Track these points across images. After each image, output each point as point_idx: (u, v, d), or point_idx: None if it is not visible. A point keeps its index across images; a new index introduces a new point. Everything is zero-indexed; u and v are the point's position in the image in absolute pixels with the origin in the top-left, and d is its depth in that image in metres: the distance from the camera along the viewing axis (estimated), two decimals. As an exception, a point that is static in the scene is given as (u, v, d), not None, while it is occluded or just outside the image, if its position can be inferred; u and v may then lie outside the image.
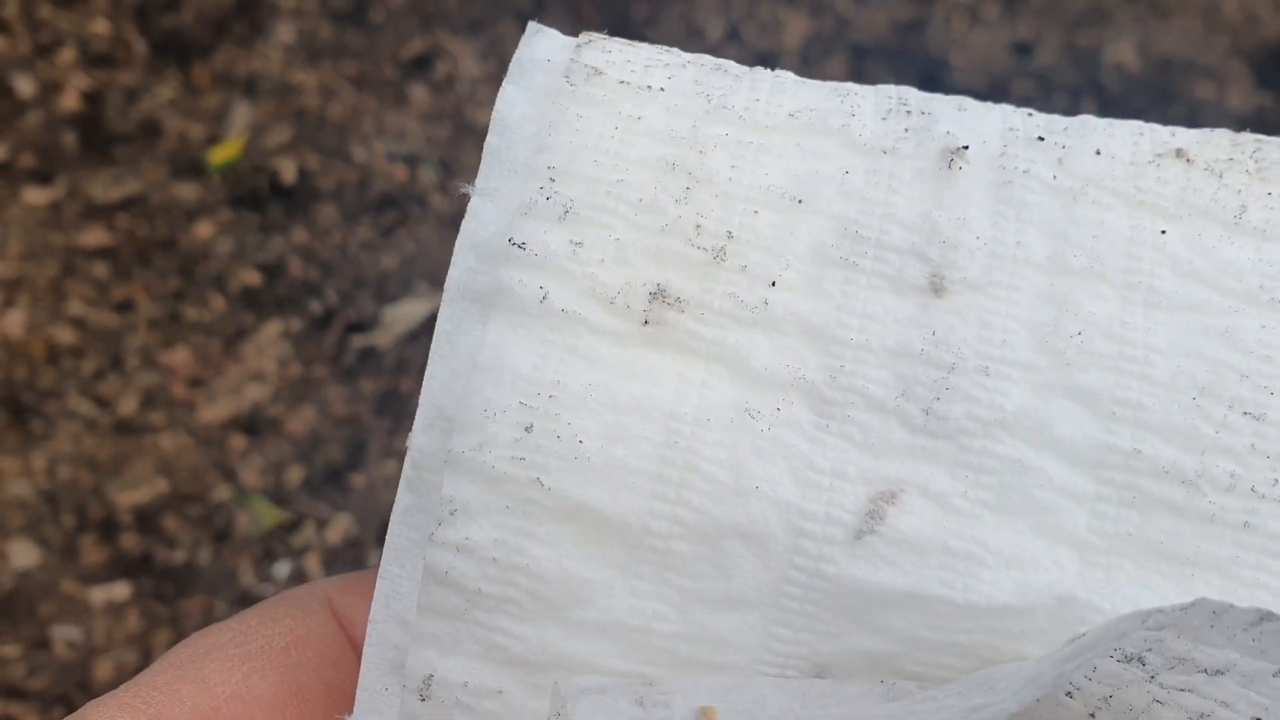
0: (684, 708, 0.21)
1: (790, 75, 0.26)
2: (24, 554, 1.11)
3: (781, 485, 0.22)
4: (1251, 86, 1.34)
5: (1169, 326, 0.23)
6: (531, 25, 0.26)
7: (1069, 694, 0.21)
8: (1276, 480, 0.22)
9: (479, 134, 1.29)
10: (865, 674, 0.22)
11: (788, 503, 0.22)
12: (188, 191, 1.37)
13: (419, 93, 1.53)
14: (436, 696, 0.23)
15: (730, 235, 0.24)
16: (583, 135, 0.24)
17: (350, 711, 0.24)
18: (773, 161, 0.25)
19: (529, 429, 0.22)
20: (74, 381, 1.21)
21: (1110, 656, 0.20)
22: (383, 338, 1.26)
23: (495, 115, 0.25)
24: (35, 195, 1.37)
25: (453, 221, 1.35)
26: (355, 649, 0.26)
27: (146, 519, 1.13)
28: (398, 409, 1.20)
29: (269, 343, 1.25)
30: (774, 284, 0.24)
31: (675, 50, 0.26)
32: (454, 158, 1.48)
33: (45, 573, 1.10)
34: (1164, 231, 0.24)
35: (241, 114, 1.45)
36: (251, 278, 1.29)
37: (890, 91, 0.26)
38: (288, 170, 1.39)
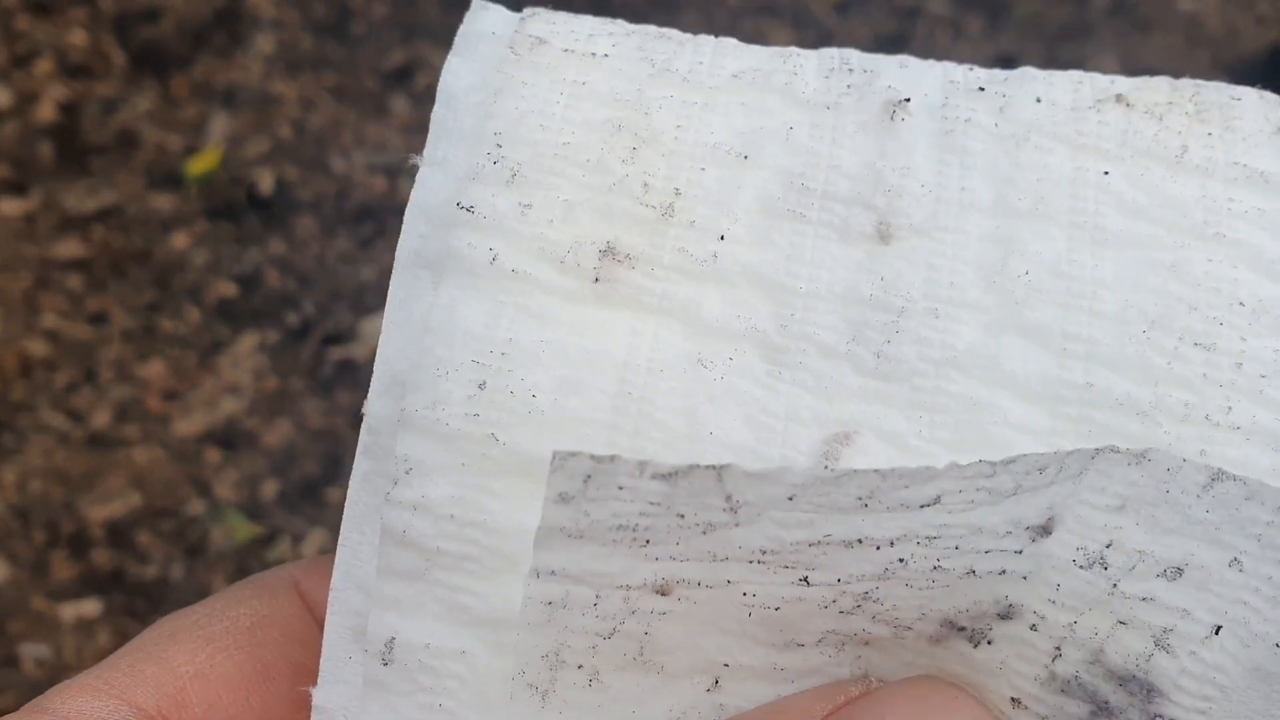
0: None
1: (733, 40, 0.27)
2: (-7, 570, 1.10)
3: (735, 430, 0.23)
4: (1234, 100, 1.34)
5: (1116, 262, 0.24)
6: (476, 2, 0.27)
7: (1033, 626, 0.21)
8: (1230, 408, 0.22)
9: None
10: None
11: (742, 446, 0.23)
12: (164, 203, 1.36)
13: (400, 104, 1.52)
14: (399, 660, 0.22)
15: (678, 192, 0.24)
16: (528, 101, 0.25)
17: (315, 685, 0.24)
18: (717, 120, 0.25)
19: (482, 386, 0.23)
20: (46, 395, 1.20)
21: (1073, 560, 0.20)
22: (360, 350, 1.25)
23: (441, 86, 0.25)
24: (9, 206, 1.36)
25: (432, 233, 1.34)
26: (322, 629, 0.26)
27: (119, 534, 1.12)
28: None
29: (245, 355, 1.24)
30: (722, 237, 0.24)
31: (620, 20, 0.27)
32: (434, 170, 1.47)
33: (14, 589, 1.08)
34: (1107, 172, 0.24)
35: (220, 125, 1.43)
36: (228, 289, 1.28)
37: (833, 52, 0.26)
38: (265, 181, 1.38)
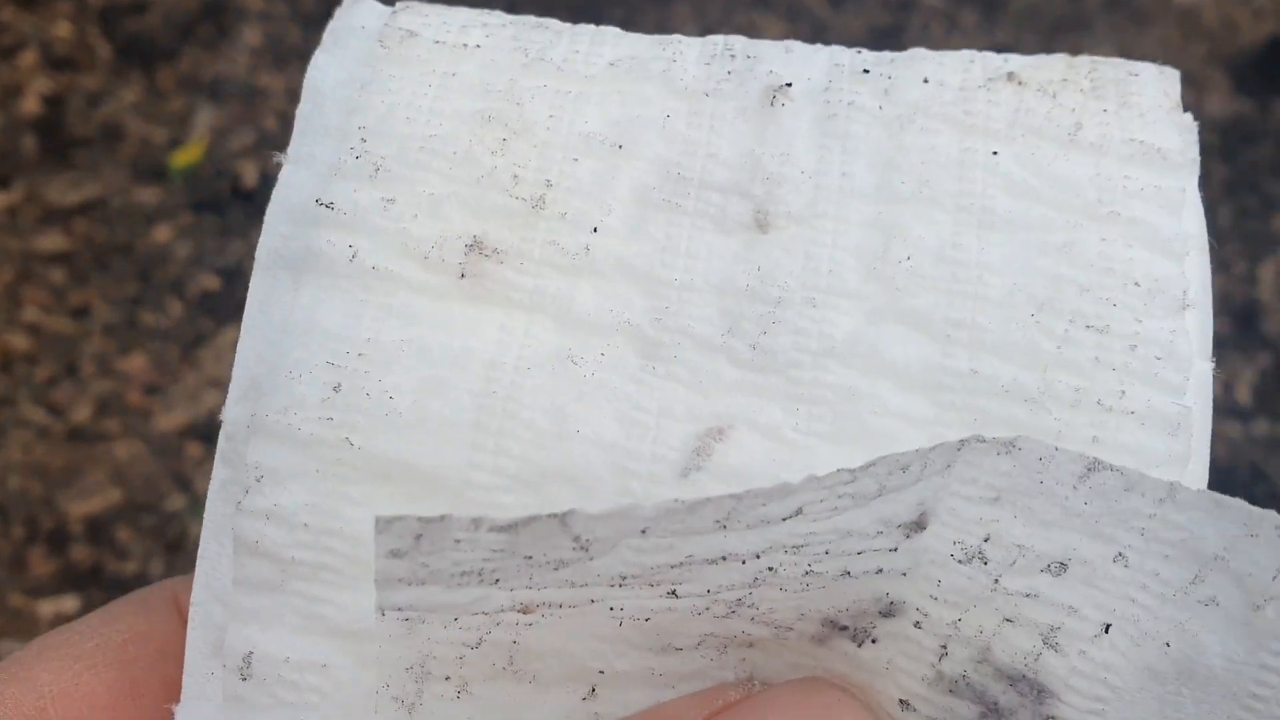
0: None
1: (613, 29, 0.26)
2: (-29, 566, 1.08)
3: (605, 427, 0.22)
4: (1230, 92, 1.33)
5: (1004, 245, 0.23)
6: None
7: (917, 624, 0.20)
8: (1123, 392, 0.22)
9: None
10: None
11: (612, 443, 0.22)
12: (148, 195, 1.34)
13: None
14: (258, 674, 0.22)
15: (549, 184, 0.24)
16: (395, 94, 0.24)
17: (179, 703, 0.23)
18: (592, 109, 0.24)
19: (337, 388, 0.22)
20: (27, 389, 1.18)
21: (950, 555, 0.19)
22: (345, 344, 1.24)
23: (306, 82, 0.25)
24: (-8, 199, 1.34)
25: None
26: None
27: (98, 529, 1.10)
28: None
29: (228, 349, 1.22)
30: (595, 229, 0.23)
31: (498, 12, 0.26)
32: (423, 163, 1.46)
33: (-7, 585, 1.07)
34: (996, 153, 0.24)
35: (205, 117, 1.42)
36: (211, 283, 1.27)
37: (716, 40, 0.26)
38: (250, 174, 1.36)
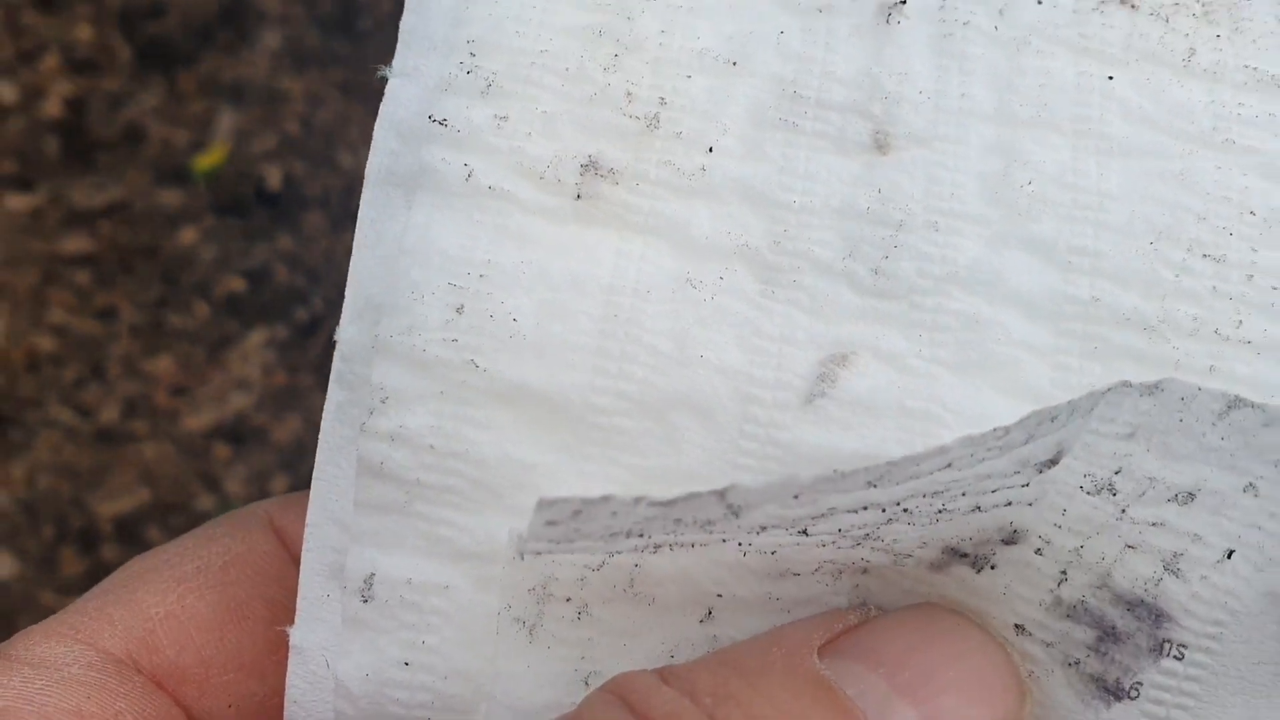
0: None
1: None
2: (2, 565, 1.10)
3: (727, 353, 0.22)
4: None
5: (1122, 172, 0.23)
6: None
7: (1038, 551, 0.20)
8: (1240, 322, 0.22)
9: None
10: None
11: (735, 370, 0.22)
12: (171, 198, 1.36)
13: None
14: (379, 596, 0.22)
15: (663, 101, 0.23)
16: (503, 5, 0.23)
17: (293, 624, 0.23)
18: (704, 24, 0.24)
19: (460, 310, 0.22)
20: (55, 390, 1.20)
21: (1080, 487, 0.20)
22: (369, 346, 1.26)
23: None
24: (16, 202, 1.36)
25: (440, 229, 1.35)
26: (298, 566, 0.25)
27: (127, 529, 1.12)
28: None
29: (254, 350, 1.24)
30: (711, 150, 0.23)
31: None
32: (442, 165, 1.47)
33: (23, 584, 1.08)
34: (1111, 77, 0.23)
35: (226, 121, 1.43)
36: (236, 285, 1.28)
37: None
38: (273, 177, 1.38)
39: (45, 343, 1.23)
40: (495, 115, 0.23)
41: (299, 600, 0.23)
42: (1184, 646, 0.20)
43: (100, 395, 1.19)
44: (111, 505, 1.12)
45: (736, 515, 0.19)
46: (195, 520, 1.12)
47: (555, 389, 0.22)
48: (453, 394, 0.22)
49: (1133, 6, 0.24)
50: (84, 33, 1.56)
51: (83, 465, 1.14)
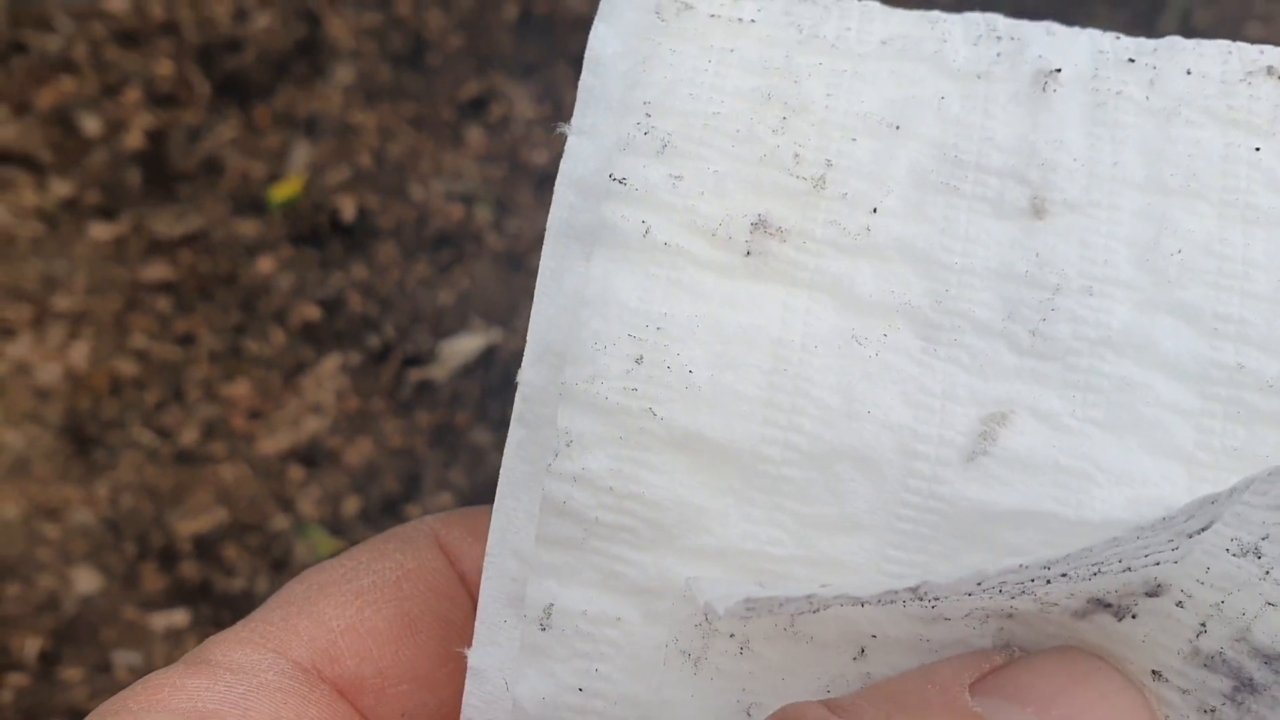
0: (802, 584, 0.22)
1: (878, 4, 0.26)
2: (87, 580, 1.13)
3: (893, 409, 0.23)
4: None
5: (1267, 241, 0.23)
6: None
7: (1179, 604, 0.21)
8: None
9: (533, 174, 1.32)
10: None
11: (900, 425, 0.22)
12: (249, 228, 1.40)
13: (475, 134, 1.55)
14: (557, 625, 0.23)
15: (829, 163, 0.24)
16: (677, 69, 0.24)
17: (465, 644, 0.24)
18: (868, 88, 0.24)
19: (639, 360, 0.23)
20: (136, 412, 1.24)
21: (1226, 549, 0.20)
22: (439, 371, 1.28)
23: (589, 53, 0.25)
24: (100, 231, 1.40)
25: (508, 260, 1.37)
26: (464, 582, 0.26)
27: (206, 547, 1.15)
28: (452, 441, 1.22)
29: (328, 376, 1.27)
30: (875, 210, 0.24)
31: None
32: (509, 198, 1.50)
33: (107, 599, 1.12)
34: (1258, 149, 0.24)
35: (302, 153, 1.47)
36: (311, 312, 1.32)
37: (977, 18, 0.26)
38: (348, 208, 1.41)
39: (127, 367, 1.27)
40: (670, 174, 0.24)
41: (477, 624, 0.24)
42: None
43: (180, 418, 1.23)
44: (190, 524, 1.16)
45: (921, 600, 0.20)
46: (271, 539, 1.15)
47: (726, 438, 0.22)
48: (631, 439, 0.23)
49: (1279, 78, 0.25)
50: (164, 67, 1.61)
51: (163, 485, 1.18)
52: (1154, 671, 0.22)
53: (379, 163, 1.47)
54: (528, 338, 0.24)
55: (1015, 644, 0.22)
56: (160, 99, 1.56)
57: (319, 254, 1.38)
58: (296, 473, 1.18)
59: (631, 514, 0.23)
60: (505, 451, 0.24)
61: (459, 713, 0.24)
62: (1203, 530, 0.20)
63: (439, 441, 1.22)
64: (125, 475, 1.19)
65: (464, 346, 1.32)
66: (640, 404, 0.23)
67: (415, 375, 1.29)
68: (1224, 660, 0.21)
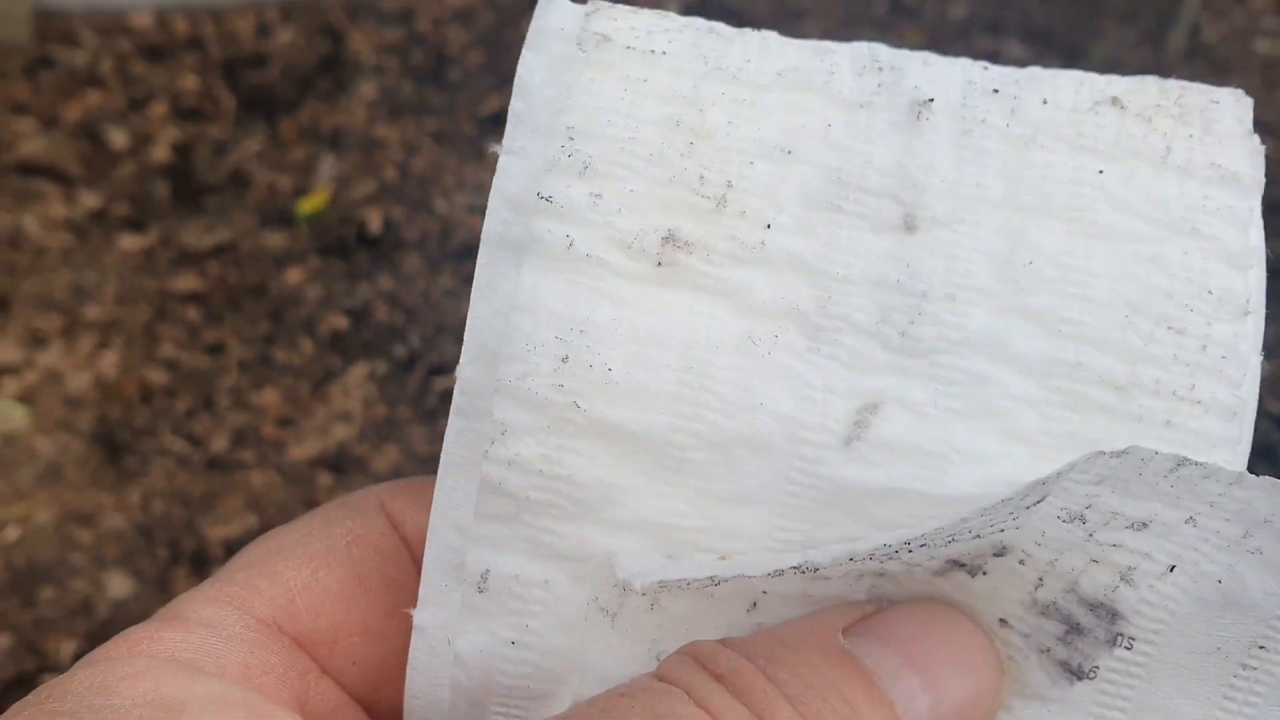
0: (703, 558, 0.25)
1: (774, 35, 0.29)
2: (120, 585, 1.15)
3: (782, 401, 0.26)
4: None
5: (1106, 254, 0.27)
6: None
7: (1021, 561, 0.25)
8: (1193, 385, 0.26)
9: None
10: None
11: (788, 416, 0.26)
12: (276, 240, 1.42)
13: (495, 148, 1.56)
14: (493, 588, 0.26)
15: (730, 184, 0.27)
16: (597, 98, 0.27)
17: (409, 602, 0.27)
18: (764, 117, 0.27)
19: (565, 360, 0.26)
20: (167, 420, 1.26)
21: (1057, 517, 0.24)
22: (463, 381, 1.31)
23: (518, 81, 0.27)
24: (130, 242, 1.43)
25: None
26: (406, 545, 0.29)
27: (237, 552, 1.17)
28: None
29: (355, 385, 1.29)
30: (769, 226, 0.27)
31: (670, 14, 0.29)
32: (529, 210, 1.52)
33: (139, 603, 1.14)
34: (1101, 171, 0.27)
35: (327, 166, 1.50)
36: (339, 322, 1.34)
37: (864, 49, 0.29)
38: (374, 221, 1.44)
39: (157, 376, 1.30)
40: (591, 193, 0.26)
41: (422, 588, 0.27)
42: (1132, 639, 0.25)
43: (210, 426, 1.25)
44: (221, 530, 1.18)
45: (803, 573, 0.24)
46: (301, 545, 1.17)
47: (641, 427, 0.26)
48: (558, 429, 0.26)
49: (1121, 108, 0.28)
50: (190, 82, 1.63)
51: (194, 492, 1.20)
52: (1001, 620, 0.26)
53: (403, 176, 1.50)
54: (465, 338, 0.26)
55: (885, 598, 0.26)
56: (186, 113, 1.59)
57: (346, 265, 1.40)
58: (325, 479, 1.20)
59: (558, 492, 0.26)
60: (445, 439, 0.26)
61: (404, 662, 0.27)
62: (1038, 503, 0.23)
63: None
64: (157, 482, 1.21)
65: (488, 356, 1.35)
66: (566, 398, 0.25)
67: (440, 384, 1.31)
68: (1057, 608, 0.25)
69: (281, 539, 0.28)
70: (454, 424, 0.26)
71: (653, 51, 0.28)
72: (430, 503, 0.27)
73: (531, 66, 0.28)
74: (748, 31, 0.29)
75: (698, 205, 0.26)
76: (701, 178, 0.26)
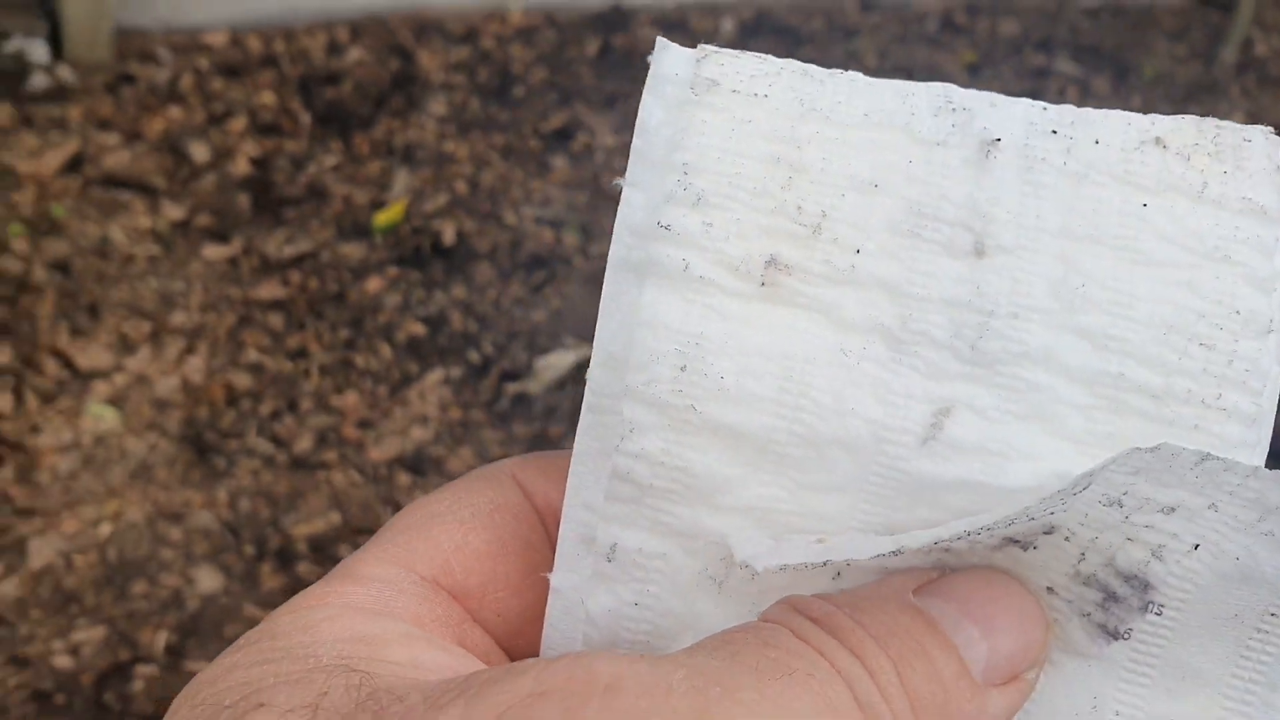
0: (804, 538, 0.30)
1: (861, 76, 0.33)
2: (209, 579, 1.20)
3: (869, 407, 0.30)
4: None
5: (1148, 279, 0.30)
6: (660, 41, 0.32)
7: (1066, 539, 0.29)
8: (1220, 394, 0.30)
9: (614, 201, 1.38)
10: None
11: (874, 419, 0.30)
12: (354, 250, 1.48)
13: (560, 163, 1.63)
14: (619, 559, 0.30)
15: (824, 214, 0.30)
16: (708, 137, 0.31)
17: (544, 564, 0.31)
18: (853, 154, 0.31)
19: (683, 369, 0.30)
20: (252, 422, 1.31)
21: (1099, 501, 0.28)
22: (534, 385, 1.36)
23: (639, 122, 0.31)
24: (213, 252, 1.48)
25: (595, 281, 1.44)
26: (539, 513, 0.32)
27: (321, 548, 1.22)
28: (547, 450, 1.28)
29: (431, 389, 1.34)
30: (858, 251, 0.30)
31: (769, 57, 0.33)
32: (593, 222, 1.57)
33: (228, 597, 1.18)
34: (1145, 204, 0.31)
35: (402, 180, 1.55)
36: (416, 329, 1.39)
37: (938, 90, 0.32)
38: (448, 232, 1.49)
39: (242, 380, 1.35)
40: (703, 222, 0.30)
41: (557, 556, 0.31)
42: (1162, 606, 0.29)
43: (294, 427, 1.31)
44: (305, 527, 1.23)
45: (895, 555, 0.29)
46: (381, 541, 1.22)
47: (747, 428, 0.30)
48: (677, 428, 0.30)
49: (1164, 147, 0.31)
50: (267, 98, 1.69)
51: (279, 490, 1.26)
52: (1048, 588, 0.30)
53: (473, 189, 1.55)
54: (594, 346, 0.30)
55: (949, 567, 0.30)
56: (264, 128, 1.65)
57: (421, 275, 1.45)
58: (403, 479, 1.25)
59: (676, 480, 0.30)
60: (578, 431, 0.30)
61: (540, 616, 0.31)
62: (1083, 491, 0.28)
63: (535, 450, 1.28)
64: (243, 481, 1.26)
65: (557, 362, 1.40)
66: (685, 401, 0.30)
67: (512, 389, 1.36)
68: (1097, 579, 0.29)
69: (432, 506, 0.31)
70: (585, 419, 0.30)
71: (755, 95, 0.31)
72: (554, 476, 0.31)
73: (650, 108, 0.31)
74: (837, 73, 0.33)
75: (796, 233, 0.30)
76: (799, 208, 0.30)
